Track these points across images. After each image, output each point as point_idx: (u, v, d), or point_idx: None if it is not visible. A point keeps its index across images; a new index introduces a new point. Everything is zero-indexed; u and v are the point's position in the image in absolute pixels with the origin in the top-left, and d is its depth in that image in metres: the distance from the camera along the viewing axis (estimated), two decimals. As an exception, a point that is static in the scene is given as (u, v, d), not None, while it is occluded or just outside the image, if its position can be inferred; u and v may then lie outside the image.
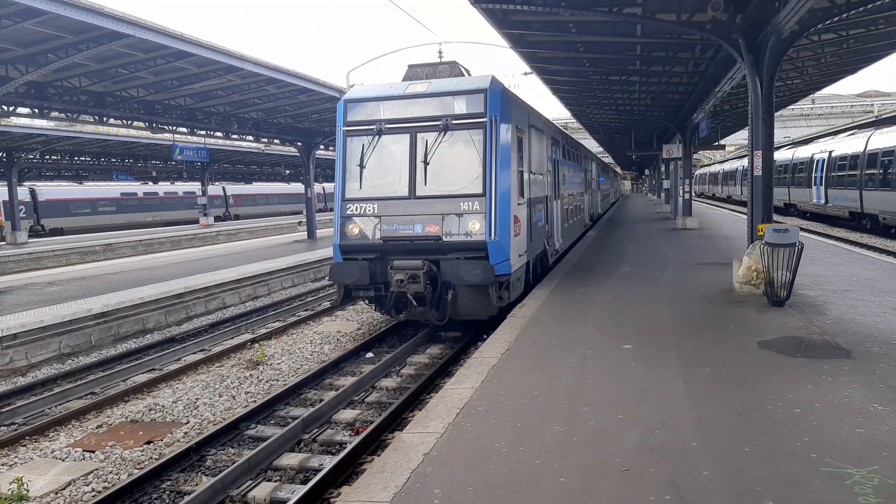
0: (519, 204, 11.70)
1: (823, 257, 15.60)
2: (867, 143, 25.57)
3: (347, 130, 11.54)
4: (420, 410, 7.09)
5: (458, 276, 10.48)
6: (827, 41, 15.73)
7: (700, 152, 71.05)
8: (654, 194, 61.42)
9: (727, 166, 58.76)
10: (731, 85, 17.04)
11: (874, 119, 35.34)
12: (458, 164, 10.92)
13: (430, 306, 11.01)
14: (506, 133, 11.00)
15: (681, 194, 27.63)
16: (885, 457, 4.73)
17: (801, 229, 24.59)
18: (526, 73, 25.10)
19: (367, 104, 11.49)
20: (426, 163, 10.95)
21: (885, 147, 23.85)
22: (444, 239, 10.72)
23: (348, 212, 11.29)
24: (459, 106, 10.99)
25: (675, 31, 13.58)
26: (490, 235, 10.53)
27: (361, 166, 11.33)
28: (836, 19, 11.57)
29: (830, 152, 29.73)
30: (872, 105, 65.88)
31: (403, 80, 12.09)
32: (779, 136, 57.49)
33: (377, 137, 11.31)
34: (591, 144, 53.68)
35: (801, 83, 22.97)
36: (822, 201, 30.75)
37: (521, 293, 11.99)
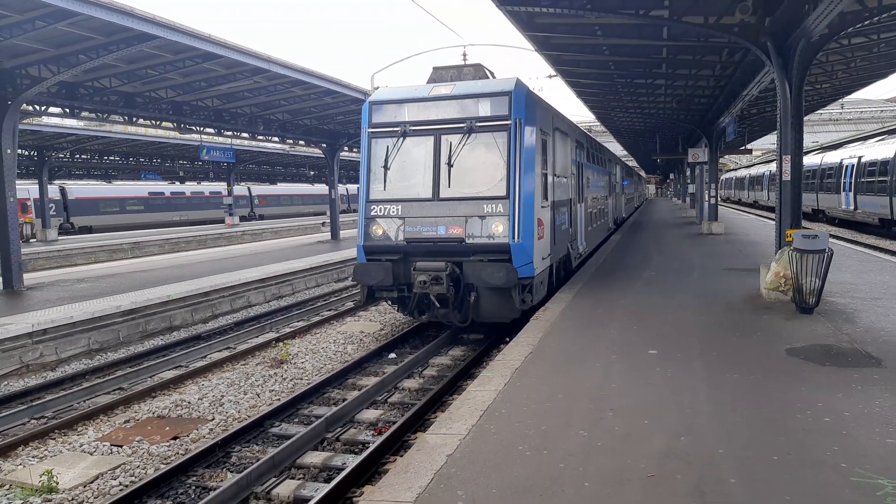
0: (542, 207, 11.65)
1: (852, 264, 15.36)
2: (898, 148, 25.13)
3: (372, 132, 11.58)
4: (443, 412, 7.11)
5: (480, 279, 10.44)
6: (857, 45, 15.50)
7: (725, 157, 70.28)
8: (679, 198, 60.89)
9: (753, 171, 58.09)
10: (758, 89, 16.84)
11: (905, 124, 34.70)
12: (481, 166, 10.88)
13: (452, 308, 11.00)
14: (530, 136, 10.96)
15: (706, 199, 27.35)
16: (917, 468, 4.65)
17: (830, 235, 24.27)
18: (550, 76, 25.09)
19: (391, 106, 11.53)
20: (450, 165, 10.94)
21: (916, 153, 23.43)
22: (468, 241, 10.70)
23: (372, 213, 11.31)
24: (484, 108, 10.96)
25: (702, 34, 13.45)
26: (513, 238, 10.48)
27: (386, 168, 11.35)
28: (866, 23, 11.38)
29: (860, 158, 29.26)
30: (904, 110, 64.66)
31: (428, 82, 12.12)
32: (807, 140, 56.55)
33: (402, 139, 11.33)
34: (616, 148, 53.34)
35: (829, 87, 22.63)
36: (851, 207, 30.27)
37: (544, 296, 11.93)
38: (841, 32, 11.45)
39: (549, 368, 7.52)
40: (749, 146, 39.45)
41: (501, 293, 10.70)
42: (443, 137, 11.09)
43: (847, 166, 30.89)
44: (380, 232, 11.23)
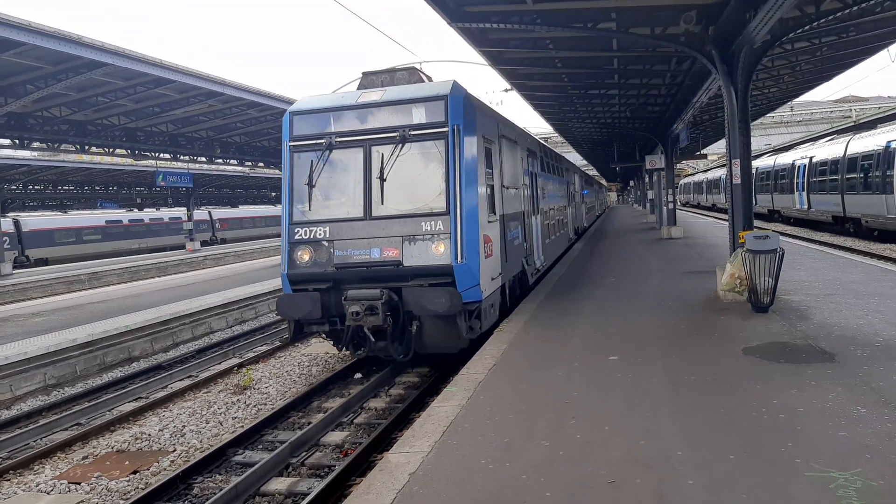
0: (490, 222, 10.71)
1: (807, 262, 15.73)
2: (846, 147, 25.92)
3: (294, 146, 10.47)
4: (408, 430, 7.06)
5: (421, 306, 9.36)
6: (800, 49, 15.97)
7: (684, 162, 71.72)
8: (640, 205, 61.83)
9: (710, 175, 59.34)
10: (708, 95, 17.26)
11: (852, 124, 35.83)
12: (418, 179, 9.91)
13: (391, 340, 9.85)
14: (471, 143, 10.01)
15: (665, 204, 27.83)
16: (869, 459, 4.76)
17: (785, 235, 24.84)
18: (506, 90, 25.34)
19: (315, 116, 10.46)
20: (382, 179, 9.89)
21: (864, 151, 24.18)
22: (406, 264, 9.61)
23: (296, 237, 10.17)
24: (418, 115, 9.97)
25: (650, 44, 13.76)
26: (456, 258, 9.46)
27: (310, 185, 10.25)
28: (807, 28, 11.75)
29: (811, 158, 30.09)
30: (851, 110, 66.78)
31: (358, 88, 11.15)
32: (760, 143, 58.13)
33: (327, 152, 10.26)
34: (575, 157, 54.04)
35: (777, 91, 23.28)
36: (805, 206, 31.07)
37: (495, 321, 10.94)
38: (783, 38, 11.83)
39: (512, 380, 7.54)
40: (704, 151, 40.30)
41: (446, 321, 9.65)
42: (373, 149, 10.03)
43: (799, 167, 31.74)
44: (306, 258, 10.09)
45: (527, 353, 8.80)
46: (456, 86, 10.15)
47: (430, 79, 11.49)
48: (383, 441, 8.00)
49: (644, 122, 27.64)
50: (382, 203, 9.89)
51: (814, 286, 12.23)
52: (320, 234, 10.02)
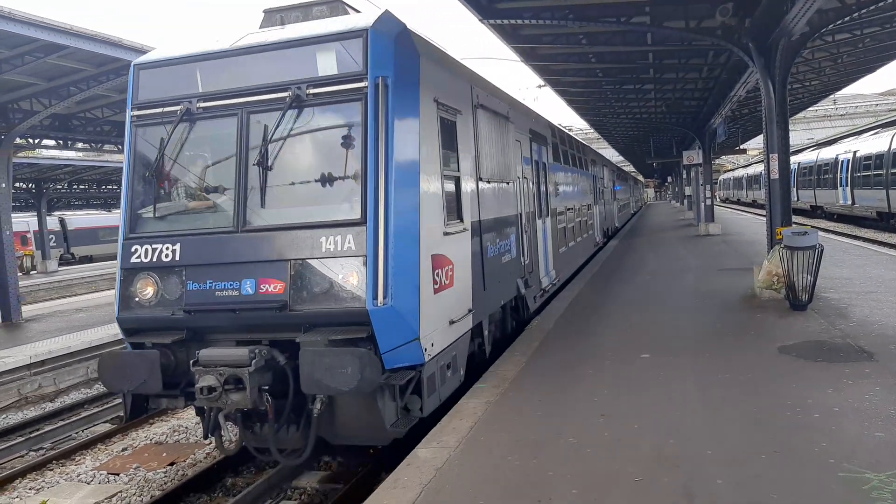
0: (448, 234, 6.94)
1: (849, 259, 15.35)
2: (892, 141, 25.17)
3: (137, 116, 6.84)
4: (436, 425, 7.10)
5: (312, 380, 5.55)
6: (842, 41, 15.59)
7: (724, 157, 70.51)
8: (678, 201, 60.97)
9: (751, 170, 58.16)
10: (745, 89, 16.95)
11: (898, 117, 34.78)
12: (318, 167, 6.33)
13: (277, 428, 6.07)
14: (409, 108, 6.32)
15: (703, 200, 27.41)
16: (905, 460, 4.64)
17: (828, 231, 24.24)
18: (540, 86, 25.16)
19: (171, 70, 6.76)
20: (264, 167, 6.29)
21: (910, 145, 23.48)
22: (296, 306, 5.92)
23: (134, 258, 6.52)
24: (323, 63, 6.25)
25: (685, 38, 13.57)
26: (374, 297, 5.72)
27: (157, 178, 6.75)
28: (847, 19, 11.47)
29: (855, 152, 29.31)
30: (897, 103, 64.90)
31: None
32: (802, 137, 56.90)
33: (183, 126, 6.64)
34: (611, 153, 53.49)
35: (819, 84, 22.76)
36: (849, 202, 30.27)
37: (456, 388, 7.13)
38: (822, 30, 11.54)
39: (542, 377, 7.51)
40: (743, 146, 39.51)
41: (362, 400, 6.00)
42: (252, 118, 6.40)
43: (843, 161, 30.92)
44: (148, 292, 6.44)
45: (558, 349, 8.75)
46: (386, 17, 6.48)
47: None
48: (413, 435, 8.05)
49: (681, 116, 27.26)
50: (263, 206, 6.36)
51: (855, 284, 11.93)
52: (167, 256, 6.43)
